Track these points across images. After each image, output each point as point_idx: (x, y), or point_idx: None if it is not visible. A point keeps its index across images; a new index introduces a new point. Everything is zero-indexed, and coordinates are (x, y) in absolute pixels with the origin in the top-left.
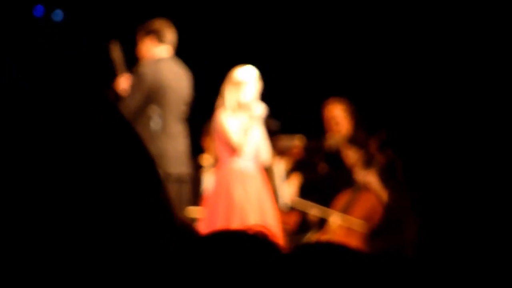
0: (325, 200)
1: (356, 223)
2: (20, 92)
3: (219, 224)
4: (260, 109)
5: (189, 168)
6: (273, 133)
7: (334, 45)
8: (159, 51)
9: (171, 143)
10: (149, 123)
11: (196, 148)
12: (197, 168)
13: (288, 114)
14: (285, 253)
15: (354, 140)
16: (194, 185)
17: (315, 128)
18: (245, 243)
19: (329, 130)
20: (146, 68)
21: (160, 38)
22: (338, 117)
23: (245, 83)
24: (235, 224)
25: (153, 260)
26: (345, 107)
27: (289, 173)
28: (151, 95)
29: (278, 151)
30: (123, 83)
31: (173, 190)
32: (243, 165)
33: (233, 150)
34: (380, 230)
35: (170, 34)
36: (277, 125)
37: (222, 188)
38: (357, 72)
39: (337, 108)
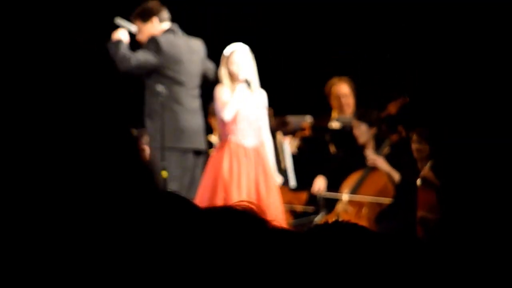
0: (336, 180)
1: (367, 203)
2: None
3: (204, 197)
4: (244, 75)
5: (205, 144)
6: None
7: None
8: (163, 28)
9: (188, 119)
10: (158, 99)
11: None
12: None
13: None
14: (295, 233)
15: (364, 117)
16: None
17: (320, 108)
18: (233, 220)
19: (336, 108)
20: (161, 37)
21: (160, 18)
22: (346, 95)
23: (231, 57)
24: (219, 197)
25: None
26: (350, 85)
27: (299, 152)
28: (165, 64)
29: (287, 131)
30: (120, 35)
31: (189, 163)
32: (239, 140)
33: (226, 123)
34: (391, 211)
35: (166, 13)
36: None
37: (213, 163)
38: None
39: (344, 86)
